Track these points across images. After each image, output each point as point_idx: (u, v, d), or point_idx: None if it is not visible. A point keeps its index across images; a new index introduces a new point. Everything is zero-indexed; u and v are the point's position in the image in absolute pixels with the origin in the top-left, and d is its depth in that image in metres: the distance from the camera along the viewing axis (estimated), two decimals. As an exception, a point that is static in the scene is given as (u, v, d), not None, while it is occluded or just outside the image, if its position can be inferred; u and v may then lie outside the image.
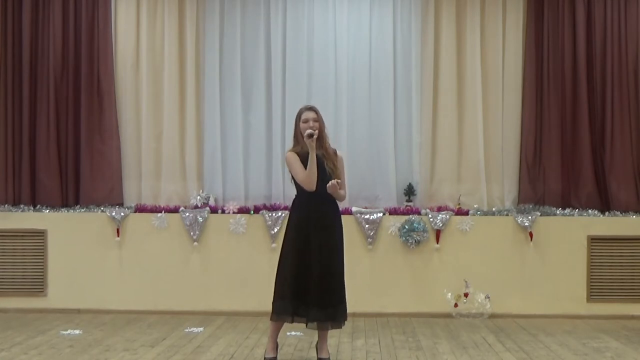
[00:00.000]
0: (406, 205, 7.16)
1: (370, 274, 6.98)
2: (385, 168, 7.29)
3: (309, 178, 4.86)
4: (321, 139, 5.01)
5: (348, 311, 5.12)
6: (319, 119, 5.01)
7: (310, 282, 4.90)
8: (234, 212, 7.08)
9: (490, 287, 6.91)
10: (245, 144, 7.41)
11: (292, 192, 5.23)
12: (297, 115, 5.08)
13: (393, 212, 7.08)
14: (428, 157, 7.31)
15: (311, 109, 5.06)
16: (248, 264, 7.01)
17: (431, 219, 6.98)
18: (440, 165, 7.33)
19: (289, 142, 6.61)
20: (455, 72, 7.32)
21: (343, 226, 5.14)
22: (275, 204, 7.19)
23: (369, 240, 6.97)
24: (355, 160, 7.27)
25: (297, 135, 5.04)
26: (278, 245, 6.48)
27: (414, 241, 6.93)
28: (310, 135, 4.83)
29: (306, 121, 4.99)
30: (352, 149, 7.18)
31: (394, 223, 6.99)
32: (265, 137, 7.40)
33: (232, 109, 7.39)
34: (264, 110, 7.40)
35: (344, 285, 5.04)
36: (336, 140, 6.21)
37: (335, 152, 5.13)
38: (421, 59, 7.28)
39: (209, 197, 7.22)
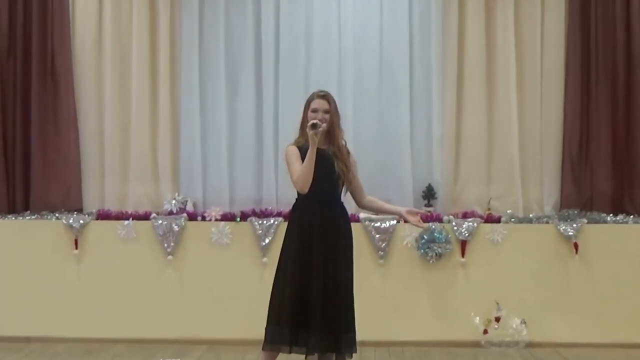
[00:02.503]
0: (425, 211, 7.05)
1: (381, 294, 6.92)
2: (400, 166, 7.26)
3: (302, 175, 4.79)
4: (332, 134, 4.97)
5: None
6: (331, 110, 4.95)
7: (312, 303, 4.83)
8: (216, 220, 7.01)
9: (527, 309, 6.84)
10: (230, 137, 7.37)
11: (287, 195, 5.29)
12: (306, 102, 5.02)
13: None
14: (451, 153, 7.29)
15: (324, 96, 4.99)
16: (234, 282, 6.96)
17: (455, 228, 6.93)
18: (465, 163, 7.30)
19: (283, 135, 7.05)
20: (484, 53, 7.31)
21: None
22: (266, 209, 7.12)
23: (380, 253, 6.91)
24: (363, 158, 6.70)
25: (303, 125, 4.97)
26: (270, 259, 6.64)
27: (434, 254, 6.87)
28: (314, 126, 4.71)
29: (315, 111, 4.93)
30: (359, 144, 7.11)
31: (410, 232, 6.92)
32: (255, 128, 7.37)
33: (214, 94, 7.36)
34: (253, 97, 7.36)
35: (353, 308, 4.97)
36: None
37: (349, 153, 5.10)
38: (442, 39, 7.27)
39: (186, 202, 7.17)
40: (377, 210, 5.29)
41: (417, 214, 5.12)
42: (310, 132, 4.71)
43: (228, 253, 6.98)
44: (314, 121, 4.74)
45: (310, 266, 4.87)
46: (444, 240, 6.86)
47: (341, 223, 5.01)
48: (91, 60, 7.35)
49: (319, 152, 4.82)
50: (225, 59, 7.32)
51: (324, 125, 4.83)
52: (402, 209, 5.12)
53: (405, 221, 5.10)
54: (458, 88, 7.28)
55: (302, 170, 4.81)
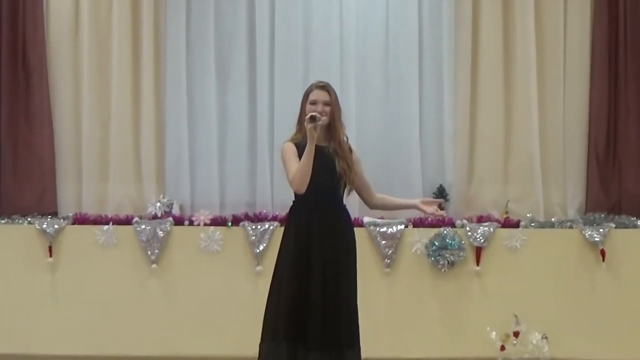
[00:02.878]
0: (436, 216, 6.84)
1: (388, 306, 6.91)
2: (408, 165, 7.22)
3: (299, 173, 4.77)
4: (333, 129, 4.97)
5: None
6: (331, 103, 4.96)
7: (311, 316, 4.81)
8: (205, 224, 7.00)
9: (549, 323, 6.79)
10: (220, 133, 7.36)
11: (283, 198, 5.35)
12: (304, 94, 5.04)
13: (418, 223, 6.99)
14: (465, 150, 7.25)
15: (324, 87, 5.00)
16: (225, 293, 6.94)
17: (469, 233, 6.89)
18: (481, 161, 7.26)
19: (279, 132, 7.04)
20: (501, 42, 7.28)
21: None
22: (261, 213, 7.10)
23: (387, 261, 6.88)
24: (367, 157, 6.59)
25: (301, 120, 4.97)
26: (265, 267, 6.60)
27: (446, 262, 6.85)
28: (313, 119, 4.69)
29: (314, 103, 4.93)
30: (363, 141, 7.11)
31: (420, 238, 6.91)
32: (248, 124, 7.35)
33: (204, 87, 7.35)
34: (246, 91, 7.34)
35: (356, 321, 4.95)
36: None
37: (351, 150, 5.10)
38: (455, 26, 7.25)
39: (172, 204, 7.18)
40: (390, 207, 5.31)
41: (433, 203, 5.14)
42: (308, 126, 4.68)
43: (218, 261, 6.95)
44: (313, 113, 4.72)
45: (308, 271, 4.85)
46: (456, 246, 6.83)
47: (343, 226, 4.99)
48: (67, 51, 7.31)
49: (318, 149, 4.79)
50: (215, 48, 7.30)
51: (324, 118, 4.81)
52: (416, 200, 5.16)
53: (422, 212, 5.11)
54: (472, 80, 7.22)
55: (298, 168, 4.78)
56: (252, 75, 7.30)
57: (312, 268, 4.86)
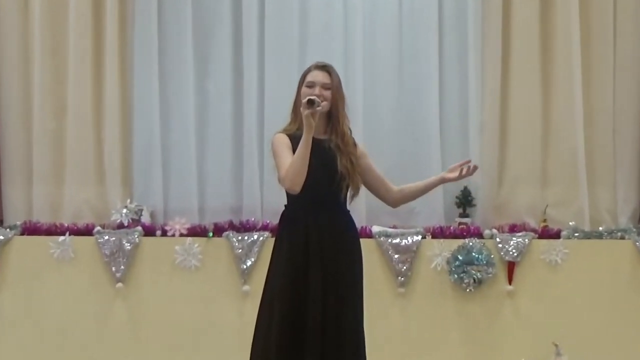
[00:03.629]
0: (459, 223, 7.08)
1: (401, 333, 6.89)
2: (425, 164, 7.16)
3: (292, 168, 4.73)
4: (334, 119, 4.95)
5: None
6: (332, 86, 4.93)
7: (309, 346, 4.77)
8: (181, 235, 6.98)
9: (595, 353, 6.80)
10: (199, 126, 7.34)
11: (275, 202, 5.46)
12: (301, 76, 5.03)
13: (438, 233, 6.99)
14: (494, 146, 7.21)
15: (324, 67, 4.98)
16: (205, 317, 6.93)
17: (500, 245, 6.85)
18: (513, 159, 7.22)
19: (270, 123, 7.05)
20: (538, 14, 7.25)
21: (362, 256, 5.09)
22: (248, 221, 7.08)
23: (400, 279, 6.84)
24: (377, 154, 6.84)
25: (297, 107, 4.97)
26: (253, 287, 6.54)
27: (472, 280, 6.81)
28: (311, 103, 4.65)
29: (312, 85, 4.90)
30: (372, 135, 7.13)
31: (441, 251, 6.87)
32: (232, 116, 7.34)
33: (179, 71, 7.33)
34: (230, 75, 7.34)
35: (363, 353, 4.92)
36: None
37: (355, 144, 5.08)
38: None
39: (141, 211, 7.15)
40: (416, 195, 5.23)
41: (458, 167, 5.09)
42: (305, 112, 4.63)
43: (197, 279, 6.92)
44: (311, 97, 4.70)
45: (305, 292, 4.79)
46: (484, 261, 6.78)
47: (346, 237, 4.95)
48: (14, 24, 7.28)
49: (316, 143, 4.76)
50: (194, 23, 7.30)
51: (324, 103, 4.78)
52: (440, 175, 5.18)
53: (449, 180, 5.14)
54: (503, 61, 7.19)
55: (292, 162, 4.73)
56: (238, 56, 7.27)
57: (310, 288, 4.80)
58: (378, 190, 5.11)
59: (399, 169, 7.12)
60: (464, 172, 5.04)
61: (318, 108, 4.66)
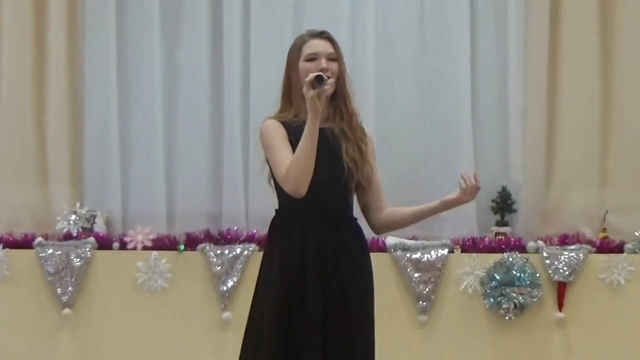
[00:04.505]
0: (497, 234, 7.09)
1: None
2: (455, 162, 7.19)
3: (295, 166, 4.61)
4: (340, 100, 4.86)
5: None
6: (339, 58, 4.83)
7: None
8: (145, 247, 6.99)
9: None
10: (168, 111, 7.39)
11: (262, 208, 5.68)
12: (293, 48, 4.90)
13: (469, 246, 7.00)
14: (540, 136, 7.24)
15: (322, 34, 4.89)
16: (177, 351, 6.96)
17: (547, 261, 6.83)
18: (565, 153, 7.26)
19: (256, 109, 7.15)
20: None
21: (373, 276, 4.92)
22: (229, 231, 7.08)
23: (422, 303, 6.82)
24: (393, 150, 7.30)
25: (290, 86, 4.87)
26: (236, 313, 6.65)
27: (512, 306, 6.78)
28: (320, 81, 4.46)
29: (312, 59, 4.79)
30: (386, 125, 7.16)
31: (473, 269, 6.86)
32: (209, 98, 7.39)
33: (142, 43, 7.38)
34: (207, 47, 7.40)
35: None
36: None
37: (364, 132, 5.03)
38: None
39: (94, 217, 7.18)
40: (406, 221, 5.11)
41: (464, 187, 4.82)
42: (310, 93, 4.46)
43: (165, 304, 6.94)
44: (319, 73, 4.53)
45: (301, 326, 4.68)
46: (527, 281, 6.76)
47: (354, 252, 4.82)
48: None
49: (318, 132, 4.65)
50: None
51: (331, 80, 4.64)
52: (444, 199, 4.89)
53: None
54: (551, 34, 7.23)
55: (295, 158, 4.60)
56: (217, 22, 7.33)
57: (308, 317, 4.68)
58: (369, 205, 4.99)
59: (421, 169, 7.26)
60: (471, 181, 4.84)
61: (327, 87, 4.53)
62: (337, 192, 4.77)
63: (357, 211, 4.91)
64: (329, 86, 4.54)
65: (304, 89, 4.51)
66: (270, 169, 4.79)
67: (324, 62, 4.72)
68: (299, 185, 4.59)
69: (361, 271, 4.83)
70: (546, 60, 7.20)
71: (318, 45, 4.80)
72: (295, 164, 4.59)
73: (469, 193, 4.79)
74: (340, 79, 4.80)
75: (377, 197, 4.99)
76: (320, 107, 4.52)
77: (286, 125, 4.74)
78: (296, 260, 4.71)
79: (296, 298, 4.68)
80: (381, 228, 5.08)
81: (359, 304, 4.77)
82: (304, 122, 4.60)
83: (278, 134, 4.74)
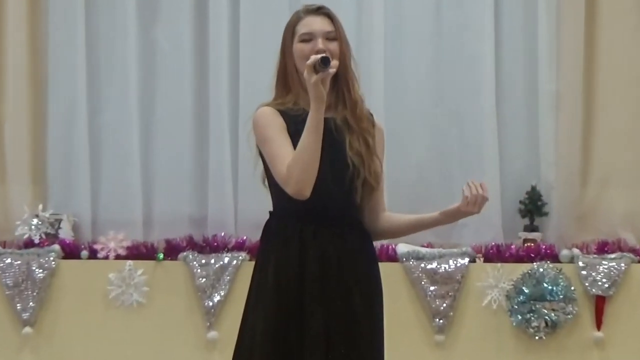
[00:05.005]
0: (525, 240, 7.04)
1: None
2: (475, 157, 7.23)
3: (298, 163, 4.56)
4: (342, 82, 4.80)
5: None
6: (339, 36, 4.77)
7: None
8: (118, 256, 6.98)
9: None
10: (144, 99, 7.39)
11: (254, 210, 5.83)
12: (287, 27, 4.86)
13: (494, 254, 6.99)
14: (576, 129, 7.22)
15: (319, 9, 4.84)
16: None
17: (584, 272, 6.80)
18: (603, 148, 7.24)
19: (248, 97, 7.17)
20: None
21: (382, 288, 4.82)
22: (215, 237, 7.10)
23: (439, 321, 6.80)
24: (405, 145, 7.38)
25: (286, 70, 4.82)
26: (223, 333, 6.71)
27: (543, 323, 6.75)
28: (326, 63, 4.42)
29: (308, 39, 4.73)
30: (395, 117, 7.12)
31: (497, 282, 6.84)
32: (193, 83, 7.39)
33: (115, 20, 7.41)
34: (190, 26, 7.41)
35: None
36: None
37: (371, 119, 4.97)
38: None
39: (60, 222, 7.17)
40: (403, 231, 5.09)
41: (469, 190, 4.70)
42: (313, 78, 4.41)
43: (142, 321, 6.93)
44: (325, 54, 4.48)
45: (300, 345, 4.63)
46: (561, 296, 6.75)
47: (361, 261, 4.79)
48: None
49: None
50: None
51: (334, 62, 4.52)
52: (444, 210, 4.83)
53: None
54: (587, 5, 7.24)
55: (297, 154, 4.55)
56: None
57: (307, 334, 4.62)
58: (370, 208, 4.93)
59: (436, 168, 7.30)
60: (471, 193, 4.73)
61: (331, 70, 4.44)
62: (342, 192, 4.72)
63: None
64: (334, 69, 4.50)
65: (305, 74, 4.46)
66: (266, 166, 4.75)
67: (320, 43, 4.69)
68: (303, 186, 4.56)
69: (369, 282, 4.79)
70: (582, 41, 7.22)
71: (314, 23, 4.78)
72: (299, 161, 4.55)
73: (474, 204, 4.75)
74: (342, 61, 4.73)
75: (378, 201, 5.00)
76: (325, 94, 4.49)
77: (284, 114, 4.70)
78: (293, 270, 4.66)
79: (293, 314, 4.63)
80: (374, 235, 5.03)
81: (366, 319, 4.74)
82: (305, 111, 4.57)
83: (275, 124, 4.69)
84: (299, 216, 4.67)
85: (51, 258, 6.86)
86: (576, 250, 6.88)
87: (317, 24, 4.75)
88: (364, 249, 4.80)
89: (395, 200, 6.62)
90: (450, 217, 4.80)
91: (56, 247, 6.91)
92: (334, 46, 4.69)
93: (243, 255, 6.77)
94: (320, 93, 4.44)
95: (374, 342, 4.72)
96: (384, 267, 4.86)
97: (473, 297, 6.81)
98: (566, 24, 7.27)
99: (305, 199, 4.59)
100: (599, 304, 6.76)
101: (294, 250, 4.67)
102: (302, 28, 4.76)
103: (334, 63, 4.51)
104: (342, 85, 4.76)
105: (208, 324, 6.81)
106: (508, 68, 7.34)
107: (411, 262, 6.79)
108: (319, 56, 4.43)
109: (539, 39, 7.29)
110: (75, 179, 7.26)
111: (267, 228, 4.79)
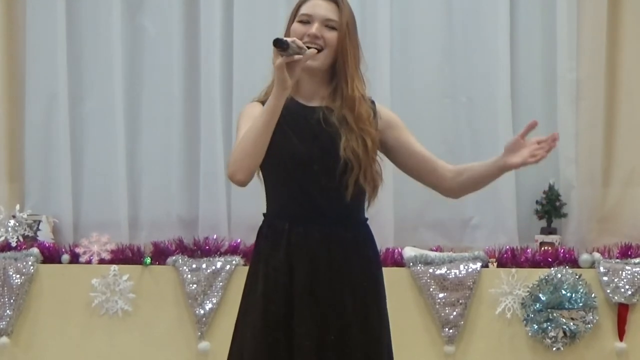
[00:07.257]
0: (542, 244, 6.99)
1: None
2: (488, 151, 7.00)
3: (240, 149, 4.64)
4: (340, 76, 4.79)
5: None
6: (340, 25, 4.77)
7: None
8: (102, 260, 6.95)
9: None
10: (131, 91, 7.41)
11: (249, 212, 5.94)
12: (294, 8, 4.90)
13: (508, 259, 6.93)
14: (597, 123, 7.20)
15: None
16: None
17: (605, 279, 6.74)
18: (627, 144, 7.22)
19: (242, 88, 7.27)
20: None
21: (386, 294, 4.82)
22: (207, 240, 7.06)
23: (448, 331, 6.77)
24: (415, 134, 7.29)
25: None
26: (215, 343, 6.77)
27: (561, 333, 6.70)
28: (281, 46, 4.47)
29: (307, 21, 4.74)
30: (403, 107, 7.04)
31: (511, 289, 6.80)
32: (183, 74, 7.40)
33: (98, 6, 7.43)
34: (180, 11, 7.43)
35: None
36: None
37: (371, 110, 4.89)
38: None
39: (39, 223, 7.19)
40: (478, 182, 5.04)
41: (520, 145, 4.72)
42: (277, 60, 4.45)
43: (127, 331, 6.92)
44: (282, 37, 4.48)
45: (299, 352, 4.63)
46: (580, 303, 6.69)
47: (356, 265, 4.76)
48: None
49: (302, 113, 4.70)
50: None
51: (311, 50, 4.56)
52: (497, 160, 4.83)
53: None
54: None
55: (243, 136, 4.60)
56: None
57: (297, 350, 4.65)
58: (425, 176, 4.91)
59: (447, 160, 6.98)
60: (539, 150, 4.75)
61: (297, 56, 4.41)
62: (331, 186, 4.68)
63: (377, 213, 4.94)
64: (301, 56, 4.48)
65: (273, 60, 4.48)
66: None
67: (315, 27, 4.68)
68: (237, 168, 4.60)
69: (365, 289, 4.76)
70: (605, 26, 7.20)
71: (317, 7, 4.77)
72: (240, 143, 4.60)
73: (536, 151, 4.74)
74: (341, 52, 4.73)
75: (429, 166, 4.97)
76: (290, 81, 4.48)
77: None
78: (280, 278, 4.68)
79: (282, 327, 4.64)
80: (454, 192, 5.06)
81: (367, 332, 4.73)
82: (291, 101, 4.62)
83: (250, 116, 4.74)
84: (288, 215, 4.70)
85: (29, 262, 6.88)
86: (597, 255, 6.82)
87: (321, 8, 4.77)
88: (360, 250, 4.77)
89: (406, 194, 6.91)
90: (506, 168, 4.80)
91: (35, 250, 6.92)
92: (330, 35, 4.69)
93: (237, 259, 6.75)
94: (283, 77, 4.45)
95: (369, 354, 4.71)
96: (389, 273, 4.93)
97: (485, 305, 6.79)
98: (587, 7, 7.24)
99: (294, 197, 4.70)
100: (622, 312, 6.72)
101: (281, 255, 4.69)
102: (304, 9, 4.78)
103: (311, 52, 4.54)
104: (340, 78, 4.77)
105: (199, 333, 6.81)
106: (524, 56, 7.32)
107: (419, 267, 6.78)
108: (276, 37, 4.43)
109: (558, 23, 7.24)
110: (55, 176, 7.29)
111: (259, 231, 4.79)
